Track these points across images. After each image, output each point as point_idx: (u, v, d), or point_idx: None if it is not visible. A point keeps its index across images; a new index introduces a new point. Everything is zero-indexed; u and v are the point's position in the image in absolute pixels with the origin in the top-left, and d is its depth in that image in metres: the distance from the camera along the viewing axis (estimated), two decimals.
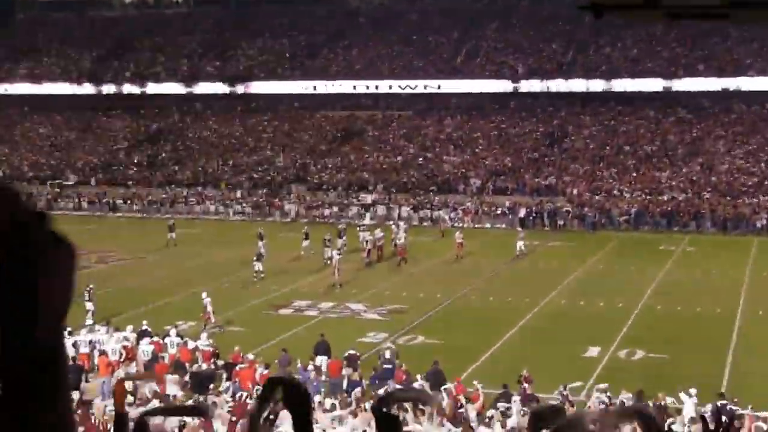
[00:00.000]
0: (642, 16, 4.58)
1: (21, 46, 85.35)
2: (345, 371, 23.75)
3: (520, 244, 44.50)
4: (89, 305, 30.34)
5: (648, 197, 55.61)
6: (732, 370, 25.68)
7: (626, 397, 20.87)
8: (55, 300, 1.25)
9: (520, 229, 48.62)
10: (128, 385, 22.03)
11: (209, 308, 30.41)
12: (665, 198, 55.24)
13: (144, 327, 26.92)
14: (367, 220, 53.60)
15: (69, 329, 26.65)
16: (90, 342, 25.70)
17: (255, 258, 39.38)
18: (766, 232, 50.09)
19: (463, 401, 21.20)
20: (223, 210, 60.79)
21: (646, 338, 28.96)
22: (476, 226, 53.93)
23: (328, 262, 40.94)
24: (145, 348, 25.13)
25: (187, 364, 24.26)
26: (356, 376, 23.62)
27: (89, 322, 28.83)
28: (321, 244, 42.59)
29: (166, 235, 47.83)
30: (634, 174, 59.32)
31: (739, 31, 68.02)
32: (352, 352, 24.85)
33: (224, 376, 23.66)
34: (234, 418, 18.98)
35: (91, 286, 31.41)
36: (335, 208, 58.42)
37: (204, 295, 31.00)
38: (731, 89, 64.66)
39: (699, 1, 4.22)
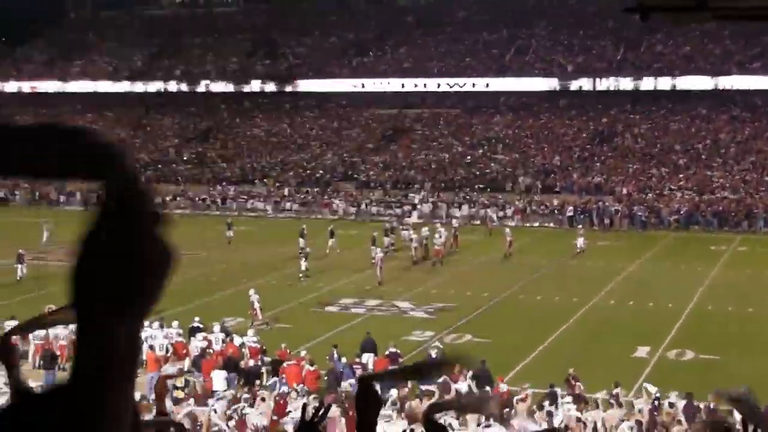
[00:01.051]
0: (689, 17, 4.52)
1: (73, 44, 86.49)
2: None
3: (580, 241, 44.58)
4: None
5: (699, 196, 54.95)
6: None
7: (675, 399, 20.67)
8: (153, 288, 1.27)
9: (580, 226, 48.60)
10: (180, 381, 22.25)
11: (257, 305, 30.62)
12: (716, 197, 54.55)
13: (195, 323, 27.13)
14: (413, 218, 53.49)
15: None
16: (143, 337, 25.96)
17: (302, 256, 39.55)
18: None
19: (513, 401, 21.11)
20: (272, 207, 61.08)
21: (696, 339, 28.62)
22: (525, 224, 53.66)
23: (374, 260, 41.01)
24: (198, 344, 25.34)
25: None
26: None
27: None
28: (369, 242, 42.57)
29: (225, 233, 48.27)
30: (685, 173, 58.67)
31: None
32: (393, 350, 24.85)
33: (268, 372, 23.81)
34: (275, 417, 19.06)
35: None
36: (381, 207, 58.49)
37: (252, 292, 31.21)
38: None
39: (747, 3, 4.18)
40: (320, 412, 2.99)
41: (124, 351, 1.21)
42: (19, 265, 38.01)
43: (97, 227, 1.19)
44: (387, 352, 24.62)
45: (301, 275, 38.79)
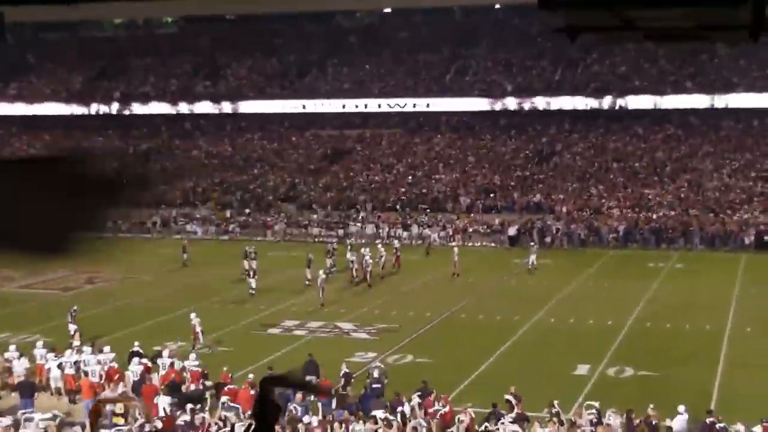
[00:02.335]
0: (619, 38, 4.59)
1: (11, 66, 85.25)
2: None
3: (532, 258, 45.25)
4: (72, 327, 30.26)
5: (637, 214, 55.70)
6: (721, 387, 25.67)
7: (614, 416, 20.86)
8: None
9: (533, 243, 49.14)
10: (118, 407, 21.93)
11: (198, 328, 30.34)
12: (654, 215, 55.34)
13: (135, 348, 26.76)
14: (355, 239, 53.48)
15: (54, 351, 26.59)
16: (75, 363, 25.57)
17: (250, 275, 39.81)
18: (754, 249, 50.21)
19: (456, 420, 21.13)
20: (213, 229, 60.66)
21: (635, 356, 28.95)
22: (466, 244, 53.93)
23: (308, 283, 41.11)
24: (134, 368, 25.04)
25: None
26: (352, 396, 23.56)
27: (76, 343, 28.67)
28: (305, 264, 42.44)
29: (181, 256, 48.35)
30: (623, 191, 59.47)
31: (726, 49, 68.32)
32: (347, 370, 24.78)
33: (212, 396, 23.58)
34: None
35: (75, 307, 31.42)
36: (323, 228, 58.46)
37: (193, 315, 30.94)
38: (719, 106, 64.94)
39: (677, 24, 4.24)
40: None
41: None
42: None
43: None
44: (341, 373, 24.46)
45: (251, 291, 39.28)
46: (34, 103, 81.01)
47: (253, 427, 2.98)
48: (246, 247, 44.67)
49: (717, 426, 20.05)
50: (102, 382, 24.40)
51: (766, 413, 20.35)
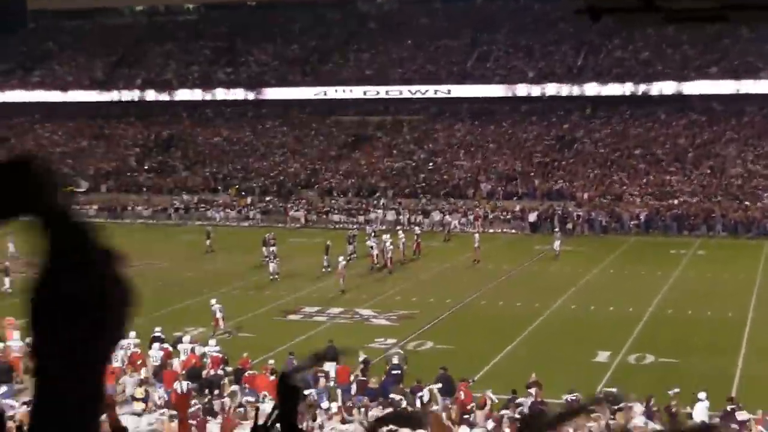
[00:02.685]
0: (640, 20, 4.53)
1: (33, 53, 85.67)
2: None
3: (557, 244, 45.13)
4: None
5: (659, 201, 55.40)
6: (742, 374, 25.55)
7: (633, 402, 20.80)
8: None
9: (556, 230, 48.90)
10: (140, 391, 22.06)
11: (218, 314, 30.46)
12: (676, 202, 55.02)
13: (156, 333, 26.85)
14: (376, 226, 53.49)
15: None
16: None
17: (271, 258, 40.11)
18: None
19: (473, 407, 21.13)
20: (233, 215, 60.83)
21: (656, 343, 28.85)
22: (487, 230, 53.83)
23: (324, 269, 41.17)
24: (155, 354, 25.15)
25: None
26: (373, 381, 23.58)
27: None
28: (323, 251, 42.45)
29: (204, 242, 48.48)
30: (645, 178, 59.15)
31: (750, 33, 67.78)
32: (365, 357, 24.81)
33: (230, 381, 23.66)
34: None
35: None
36: (344, 214, 58.51)
37: (213, 301, 31.04)
38: (742, 92, 64.40)
39: (696, 4, 4.19)
40: (273, 416, 2.97)
41: (84, 398, 1.19)
42: (6, 278, 37.77)
43: (50, 276, 1.17)
44: (360, 359, 24.49)
45: (272, 277, 39.59)
46: (56, 90, 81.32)
47: (276, 411, 2.97)
48: (266, 234, 44.81)
49: (737, 413, 19.96)
50: (124, 366, 24.49)
51: None
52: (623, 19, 5.00)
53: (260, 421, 2.92)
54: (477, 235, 45.61)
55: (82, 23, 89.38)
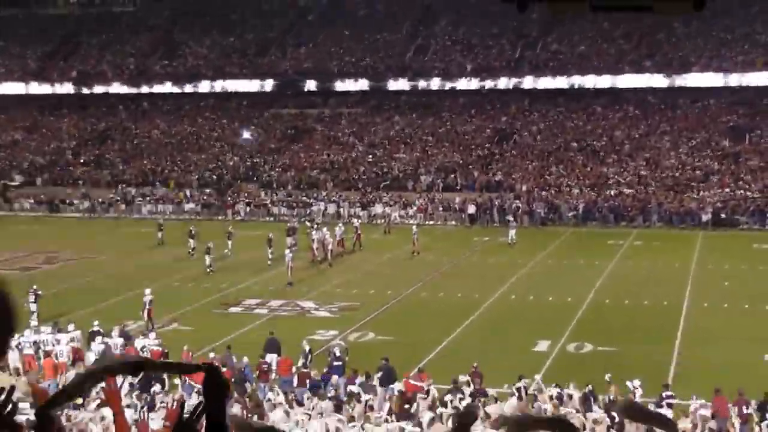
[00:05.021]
0: (567, 7, 4.61)
1: None
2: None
3: (512, 233, 46.14)
4: (33, 306, 30.02)
5: (596, 193, 56.10)
6: (678, 361, 26.03)
7: (572, 390, 21.10)
8: None
9: (511, 219, 49.41)
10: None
11: (148, 306, 29.94)
12: (613, 193, 55.78)
13: (95, 327, 26.53)
14: (317, 218, 53.41)
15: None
16: (34, 343, 25.30)
17: (206, 254, 39.86)
18: (711, 227, 50.76)
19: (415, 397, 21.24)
20: (170, 209, 60.28)
21: (594, 332, 29.26)
22: (427, 223, 54.10)
23: (270, 262, 40.98)
24: (96, 348, 24.88)
25: None
26: (314, 373, 23.61)
27: (34, 323, 28.45)
28: (266, 244, 42.23)
29: (156, 234, 48.29)
30: (582, 169, 59.85)
31: (684, 27, 68.92)
32: (308, 348, 24.80)
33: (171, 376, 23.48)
34: (167, 423, 18.73)
35: (35, 286, 31.09)
36: (284, 208, 58.36)
37: (147, 291, 30.61)
38: (676, 86, 65.49)
39: None
40: (198, 411, 2.99)
41: None
42: None
43: None
44: (304, 351, 24.50)
45: (208, 270, 39.49)
46: None
47: (202, 405, 2.99)
48: (191, 227, 44.98)
49: (669, 399, 20.40)
50: (65, 361, 24.20)
51: (721, 386, 20.66)
52: (551, 8, 5.07)
53: (185, 417, 2.94)
54: (415, 227, 45.73)
55: (15, 12, 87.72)
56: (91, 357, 24.64)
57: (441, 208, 56.12)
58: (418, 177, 61.34)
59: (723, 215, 51.68)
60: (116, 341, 25.39)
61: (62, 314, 30.10)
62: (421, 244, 44.39)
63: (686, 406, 20.32)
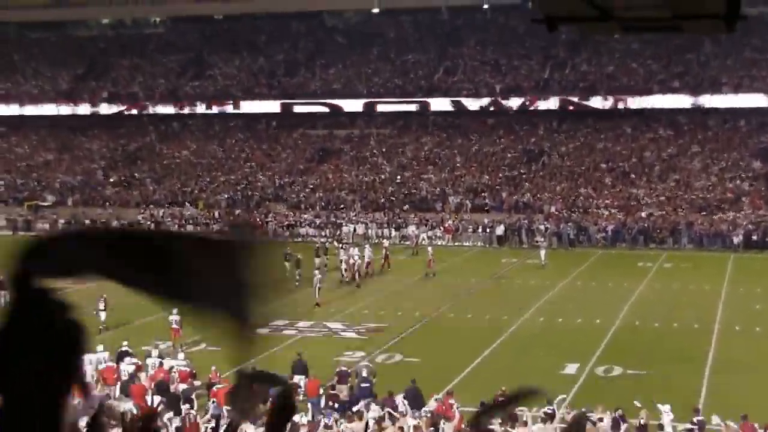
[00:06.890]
0: (597, 29, 4.58)
1: None
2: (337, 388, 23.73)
3: (542, 254, 46.03)
4: (102, 315, 30.31)
5: (625, 214, 55.77)
6: (709, 385, 25.73)
7: (601, 414, 20.88)
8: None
9: (543, 239, 49.53)
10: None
11: (175, 325, 29.87)
12: (642, 215, 55.44)
13: (124, 347, 26.61)
14: (345, 239, 53.43)
15: None
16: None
17: None
18: (742, 248, 50.33)
19: (441, 420, 21.10)
20: (201, 230, 60.47)
21: (624, 355, 28.98)
22: (455, 243, 53.97)
23: (298, 282, 40.78)
24: (126, 368, 24.89)
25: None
26: (343, 394, 23.55)
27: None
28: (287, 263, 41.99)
29: None
30: (611, 191, 59.57)
31: (713, 48, 68.59)
32: (343, 368, 24.79)
33: (199, 396, 23.50)
34: None
35: (105, 295, 31.31)
36: (312, 228, 58.39)
37: (174, 311, 30.54)
38: (706, 106, 65.11)
39: (651, 14, 4.24)
40: (230, 430, 2.96)
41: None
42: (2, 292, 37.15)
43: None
44: (337, 370, 24.62)
45: None
46: (21, 103, 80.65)
47: (267, 424, 2.97)
48: None
49: (701, 420, 20.15)
50: (94, 382, 24.21)
51: (752, 410, 20.40)
52: (580, 28, 5.05)
53: None
54: (430, 249, 45.56)
55: (47, 35, 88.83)
56: (121, 377, 24.65)
57: (470, 230, 55.99)
58: (447, 198, 61.26)
59: (755, 237, 51.23)
60: (154, 361, 25.42)
61: (91, 334, 30.15)
62: (450, 265, 44.25)
63: (717, 431, 20.06)
